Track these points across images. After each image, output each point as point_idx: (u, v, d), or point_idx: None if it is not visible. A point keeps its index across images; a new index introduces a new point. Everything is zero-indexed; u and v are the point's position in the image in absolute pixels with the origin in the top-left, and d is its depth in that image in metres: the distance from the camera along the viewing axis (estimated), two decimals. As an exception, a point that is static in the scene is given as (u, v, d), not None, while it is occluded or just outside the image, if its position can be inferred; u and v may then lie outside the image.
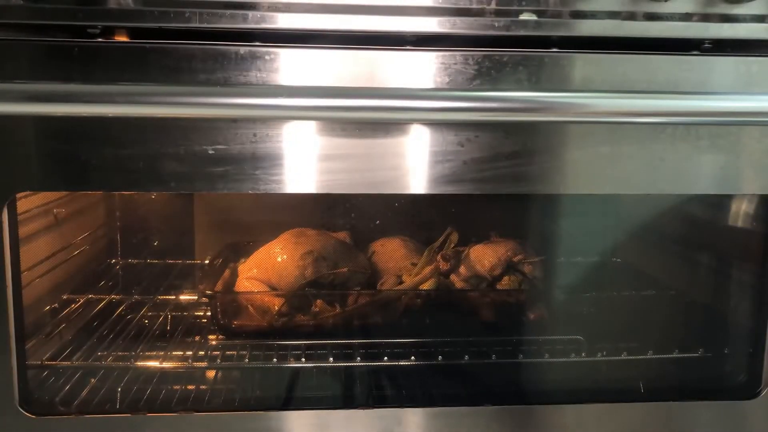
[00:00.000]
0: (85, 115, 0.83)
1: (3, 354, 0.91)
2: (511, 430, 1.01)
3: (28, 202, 1.11)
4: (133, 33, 0.91)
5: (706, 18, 0.93)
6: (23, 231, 0.98)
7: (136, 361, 1.13)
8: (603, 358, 1.16)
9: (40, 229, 1.21)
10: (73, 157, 0.88)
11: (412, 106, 0.84)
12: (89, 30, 0.87)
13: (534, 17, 0.90)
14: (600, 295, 1.35)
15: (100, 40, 0.88)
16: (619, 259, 1.50)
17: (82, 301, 1.33)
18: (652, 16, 0.93)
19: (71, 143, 0.88)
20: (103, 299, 1.38)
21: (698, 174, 0.97)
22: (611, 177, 0.96)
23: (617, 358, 1.16)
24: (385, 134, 0.91)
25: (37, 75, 0.86)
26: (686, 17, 0.93)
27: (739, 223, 1.14)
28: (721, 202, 1.16)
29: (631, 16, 0.92)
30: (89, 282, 1.42)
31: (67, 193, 1.28)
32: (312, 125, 0.90)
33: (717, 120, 0.92)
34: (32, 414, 0.93)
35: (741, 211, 1.13)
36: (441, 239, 1.39)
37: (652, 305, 1.31)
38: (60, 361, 1.12)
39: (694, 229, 1.28)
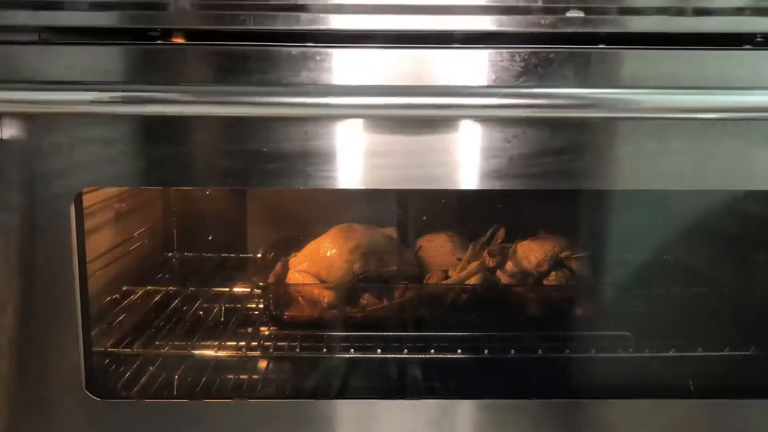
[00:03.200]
0: (145, 114, 0.88)
1: (72, 340, 0.96)
2: (556, 423, 1.02)
3: (91, 197, 1.16)
4: (190, 35, 0.95)
5: (757, 12, 0.92)
6: (87, 225, 1.03)
7: (192, 350, 1.18)
8: (650, 354, 1.15)
9: (102, 223, 1.27)
10: (134, 154, 0.93)
11: (458, 103, 0.86)
12: (150, 33, 0.91)
13: (581, 14, 0.91)
14: (649, 291, 1.34)
15: (159, 42, 0.92)
16: (669, 257, 1.48)
17: (141, 292, 1.39)
18: (701, 11, 0.92)
19: (133, 142, 0.92)
20: (161, 291, 1.43)
21: (749, 170, 0.96)
22: (659, 173, 0.95)
23: (665, 354, 1.15)
24: (431, 131, 0.93)
25: (100, 77, 0.90)
26: (737, 11, 0.92)
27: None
28: (776, 198, 1.14)
29: (679, 12, 0.92)
30: (148, 274, 1.48)
31: (127, 188, 1.33)
32: (360, 123, 0.92)
33: (768, 115, 0.91)
34: (98, 397, 0.98)
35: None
36: (487, 235, 1.40)
37: (702, 303, 1.29)
38: (122, 348, 1.17)
39: (748, 226, 1.25)
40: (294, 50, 0.90)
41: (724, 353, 1.14)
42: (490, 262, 1.32)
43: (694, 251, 1.41)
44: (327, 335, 1.22)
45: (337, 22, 0.90)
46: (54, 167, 0.92)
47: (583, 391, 1.08)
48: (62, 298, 0.95)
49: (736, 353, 1.14)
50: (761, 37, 0.94)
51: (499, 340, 1.18)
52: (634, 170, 0.96)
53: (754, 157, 0.95)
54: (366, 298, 1.25)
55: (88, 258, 1.03)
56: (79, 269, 0.95)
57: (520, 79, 0.91)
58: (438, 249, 1.37)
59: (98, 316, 1.21)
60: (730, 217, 1.27)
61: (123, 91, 0.85)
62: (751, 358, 1.14)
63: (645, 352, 1.16)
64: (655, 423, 1.03)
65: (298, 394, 1.09)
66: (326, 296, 1.24)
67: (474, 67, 0.92)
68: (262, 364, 1.20)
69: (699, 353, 1.14)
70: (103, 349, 1.13)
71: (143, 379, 1.10)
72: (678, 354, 1.15)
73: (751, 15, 0.92)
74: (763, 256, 1.21)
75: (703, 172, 0.95)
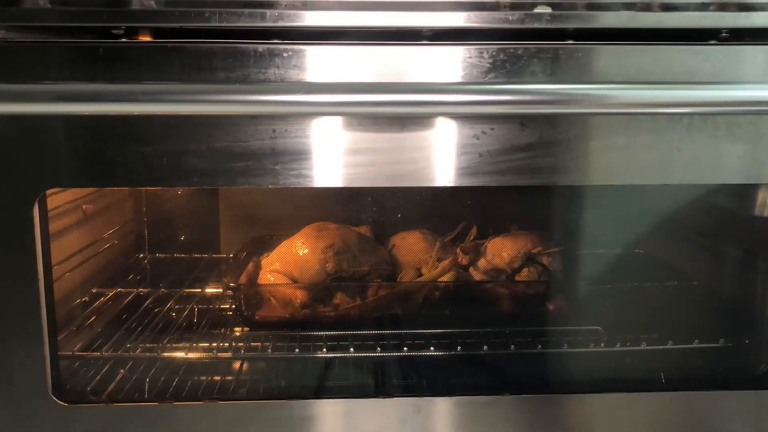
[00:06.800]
0: (110, 113, 0.86)
1: (36, 345, 0.94)
2: (529, 418, 1.02)
3: (57, 198, 1.15)
4: (156, 33, 0.93)
5: (722, 7, 0.93)
6: (53, 227, 1.01)
7: (163, 352, 1.17)
8: (622, 348, 1.16)
9: (70, 224, 1.25)
10: (99, 154, 0.91)
11: (427, 100, 0.86)
12: (113, 31, 0.90)
13: (548, 10, 0.91)
14: (621, 285, 1.35)
15: (124, 40, 0.90)
16: (642, 251, 1.50)
17: (111, 294, 1.37)
18: (667, 7, 0.92)
19: (98, 141, 0.91)
20: (132, 292, 1.41)
21: (715, 164, 0.97)
22: (627, 168, 0.96)
23: (637, 348, 1.16)
24: (400, 128, 0.92)
25: (64, 75, 0.89)
26: (702, 7, 0.93)
27: (764, 213, 1.13)
28: (744, 192, 1.15)
29: (646, 7, 0.92)
30: (118, 276, 1.46)
31: (95, 189, 1.31)
32: (329, 120, 0.92)
33: (734, 110, 0.91)
34: (65, 402, 0.96)
35: (765, 201, 1.13)
36: (455, 231, 1.40)
37: (672, 296, 1.31)
38: (91, 351, 1.15)
39: (717, 220, 1.27)
40: (261, 47, 0.89)
41: (693, 345, 1.16)
42: (463, 260, 1.33)
43: (664, 245, 1.43)
44: (300, 335, 1.21)
45: (305, 19, 0.89)
46: (16, 169, 0.91)
47: (557, 385, 1.09)
48: (27, 301, 0.93)
49: (706, 345, 1.16)
50: (726, 32, 0.95)
51: (472, 337, 1.18)
52: (602, 165, 0.97)
53: (720, 151, 0.96)
54: (339, 297, 1.24)
55: (55, 260, 1.01)
56: (44, 272, 0.94)
57: (489, 76, 0.92)
58: (411, 246, 1.37)
59: (66, 319, 1.19)
60: (699, 211, 1.29)
61: (84, 90, 0.83)
62: (720, 350, 1.15)
63: (617, 346, 1.17)
64: (627, 416, 1.04)
65: (271, 394, 1.08)
66: (298, 296, 1.23)
67: (442, 63, 0.92)
68: (235, 365, 1.19)
69: (669, 346, 1.16)
70: (70, 352, 1.11)
71: (113, 383, 1.09)
72: (649, 347, 1.16)
73: (716, 10, 0.93)
74: (730, 249, 1.23)
75: (670, 166, 0.96)
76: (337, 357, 1.16)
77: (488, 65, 0.91)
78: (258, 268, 1.32)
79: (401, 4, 0.89)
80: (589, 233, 1.42)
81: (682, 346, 1.16)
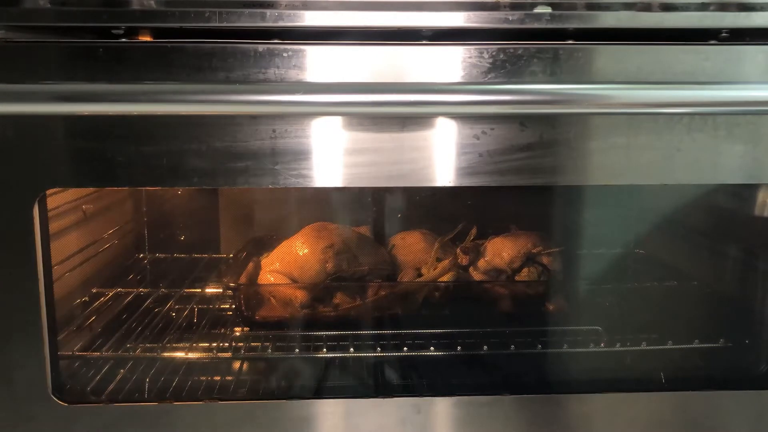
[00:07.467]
0: (110, 113, 0.86)
1: (36, 345, 0.94)
2: (529, 418, 1.02)
3: (57, 198, 1.15)
4: (156, 33, 0.93)
5: (722, 7, 0.93)
6: (53, 227, 1.01)
7: (163, 352, 1.17)
8: (622, 348, 1.16)
9: (70, 224, 1.25)
10: (99, 154, 0.91)
11: (427, 100, 0.86)
12: (113, 31, 0.90)
13: (548, 10, 0.91)
14: (621, 285, 1.35)
15: (124, 40, 0.90)
16: (642, 251, 1.50)
17: (111, 294, 1.37)
18: (667, 7, 0.92)
19: (98, 141, 0.91)
20: (132, 292, 1.42)
21: (715, 164, 0.97)
22: (627, 168, 0.96)
23: (637, 348, 1.16)
24: (400, 128, 0.92)
25: (64, 75, 0.89)
26: (702, 7, 0.93)
27: (764, 213, 1.13)
28: (744, 192, 1.15)
29: (646, 7, 0.92)
30: (118, 276, 1.46)
31: (95, 189, 1.31)
32: (329, 120, 0.92)
33: (734, 110, 0.91)
34: (65, 402, 0.96)
35: (765, 201, 1.13)
36: (455, 232, 1.40)
37: (672, 296, 1.31)
38: (91, 351, 1.15)
39: (718, 220, 1.27)
40: (261, 47, 0.89)
41: (693, 345, 1.16)
42: (463, 260, 1.33)
43: (664, 245, 1.43)
44: (300, 335, 1.21)
45: (305, 19, 0.89)
46: (16, 169, 0.91)
47: (557, 385, 1.09)
48: (27, 301, 0.93)
49: (706, 345, 1.16)
50: (726, 32, 0.95)
51: (472, 337, 1.18)
52: (602, 165, 0.97)
53: (719, 151, 0.96)
54: (339, 298, 1.24)
55: (55, 260, 1.01)
56: (44, 272, 0.94)
57: (489, 76, 0.92)
58: (411, 246, 1.37)
59: (66, 320, 1.19)
60: (699, 211, 1.29)
61: (84, 90, 0.83)
62: (720, 350, 1.15)
63: (617, 346, 1.17)
64: (627, 416, 1.04)
65: (271, 394, 1.08)
66: (298, 296, 1.23)
67: (442, 63, 0.92)
68: (235, 365, 1.20)
69: (669, 346, 1.16)
70: (70, 352, 1.11)
71: (113, 383, 1.09)
72: (649, 347, 1.16)
73: (716, 10, 0.93)
74: (730, 249, 1.23)
75: (670, 166, 0.96)
76: (337, 357, 1.16)
77: (488, 65, 0.91)
78: (258, 268, 1.32)
79: (401, 4, 0.89)
80: (589, 233, 1.42)
81: (682, 346, 1.16)
